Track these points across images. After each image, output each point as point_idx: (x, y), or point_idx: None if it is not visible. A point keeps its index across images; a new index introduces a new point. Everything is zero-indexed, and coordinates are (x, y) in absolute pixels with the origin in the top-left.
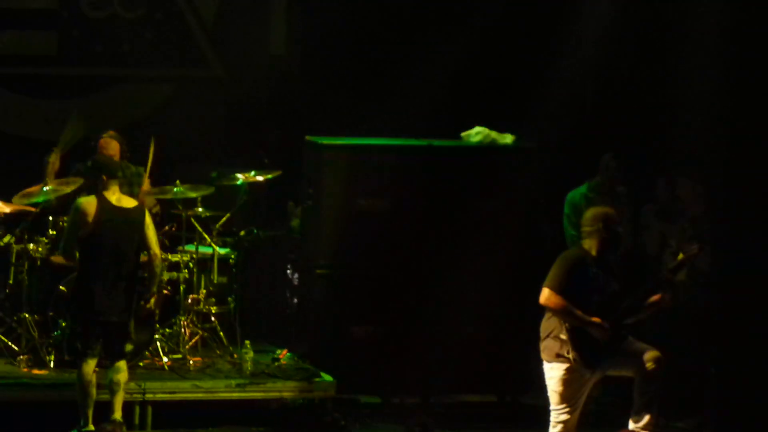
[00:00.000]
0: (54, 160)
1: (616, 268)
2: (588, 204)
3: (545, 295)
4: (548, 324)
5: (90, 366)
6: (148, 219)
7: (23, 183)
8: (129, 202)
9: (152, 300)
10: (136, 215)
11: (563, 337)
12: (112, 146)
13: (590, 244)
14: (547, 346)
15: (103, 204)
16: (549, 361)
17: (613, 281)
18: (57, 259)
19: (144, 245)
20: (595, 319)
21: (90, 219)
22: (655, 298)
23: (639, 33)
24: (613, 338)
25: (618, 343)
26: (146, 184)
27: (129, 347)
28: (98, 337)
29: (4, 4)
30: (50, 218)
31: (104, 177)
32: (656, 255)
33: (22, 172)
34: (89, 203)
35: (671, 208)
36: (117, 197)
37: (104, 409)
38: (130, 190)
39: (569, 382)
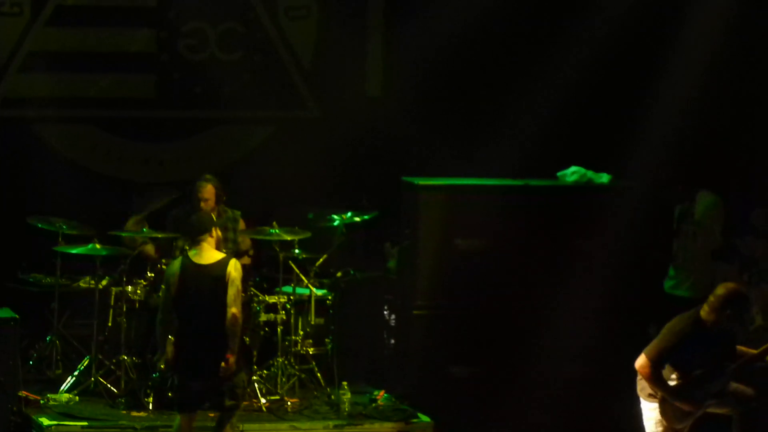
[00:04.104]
0: (132, 226)
1: (727, 340)
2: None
3: (642, 363)
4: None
5: (185, 419)
6: (233, 274)
7: (120, 225)
8: (212, 258)
9: (231, 360)
10: (217, 271)
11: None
12: (207, 191)
13: (709, 316)
14: (644, 387)
15: (186, 264)
16: (647, 401)
17: (720, 356)
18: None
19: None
20: (686, 407)
21: (176, 281)
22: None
23: (739, 69)
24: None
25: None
26: (241, 224)
27: (229, 403)
28: (197, 394)
29: (104, 48)
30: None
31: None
32: None
33: (119, 213)
34: (173, 266)
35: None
36: (201, 254)
37: None
38: (225, 234)
39: (665, 424)
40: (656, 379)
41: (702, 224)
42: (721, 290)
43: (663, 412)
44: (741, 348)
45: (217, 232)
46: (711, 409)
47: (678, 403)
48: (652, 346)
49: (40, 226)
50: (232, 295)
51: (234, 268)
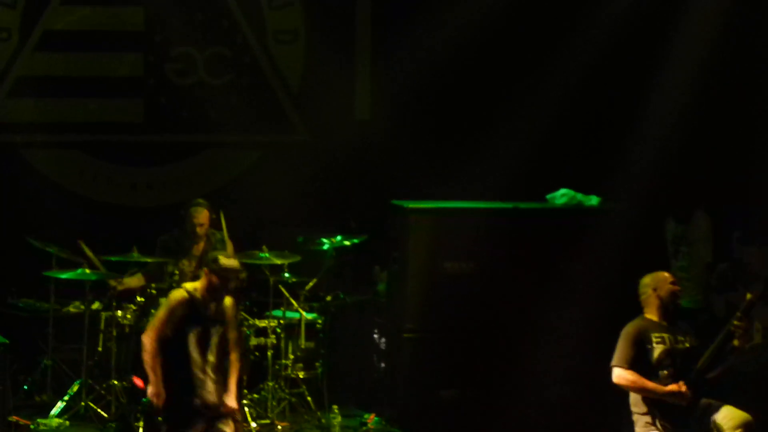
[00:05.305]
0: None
1: (685, 327)
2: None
3: (615, 374)
4: (632, 397)
5: None
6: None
7: (109, 249)
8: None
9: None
10: None
11: (644, 409)
12: (203, 216)
13: (649, 311)
14: (637, 420)
15: None
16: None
17: (682, 342)
18: None
19: None
20: (671, 387)
21: None
22: (733, 344)
23: (726, 91)
24: (694, 399)
25: (700, 401)
26: (230, 247)
27: None
28: None
29: (91, 73)
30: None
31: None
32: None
33: (108, 238)
34: None
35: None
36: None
37: None
38: None
39: None
40: (635, 383)
41: (697, 245)
42: (641, 280)
43: (661, 419)
44: None
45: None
46: None
47: (668, 398)
48: (614, 356)
49: (35, 244)
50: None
51: (171, 294)
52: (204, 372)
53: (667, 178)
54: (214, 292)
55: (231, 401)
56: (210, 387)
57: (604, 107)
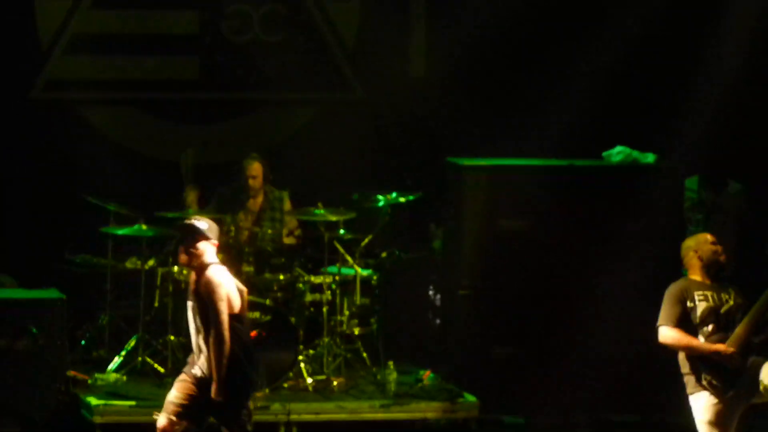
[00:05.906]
0: (190, 198)
1: (730, 286)
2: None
3: (661, 333)
4: (680, 357)
5: None
6: None
7: (164, 207)
8: None
9: None
10: None
11: (692, 368)
12: (254, 168)
13: (693, 273)
14: (687, 381)
15: None
16: (691, 393)
17: (727, 300)
18: None
19: None
20: (719, 346)
21: None
22: None
23: None
24: (742, 359)
25: (748, 359)
26: (287, 205)
27: None
28: None
29: (147, 30)
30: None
31: None
32: None
33: (163, 196)
34: None
35: None
36: None
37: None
38: (272, 214)
39: (714, 409)
40: (682, 340)
41: (732, 214)
42: (682, 244)
43: (708, 374)
44: None
45: None
46: (758, 399)
47: (716, 357)
48: (660, 316)
49: (92, 201)
50: None
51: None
52: (197, 343)
53: (717, 142)
54: None
55: (212, 392)
56: (202, 358)
57: (662, 64)
